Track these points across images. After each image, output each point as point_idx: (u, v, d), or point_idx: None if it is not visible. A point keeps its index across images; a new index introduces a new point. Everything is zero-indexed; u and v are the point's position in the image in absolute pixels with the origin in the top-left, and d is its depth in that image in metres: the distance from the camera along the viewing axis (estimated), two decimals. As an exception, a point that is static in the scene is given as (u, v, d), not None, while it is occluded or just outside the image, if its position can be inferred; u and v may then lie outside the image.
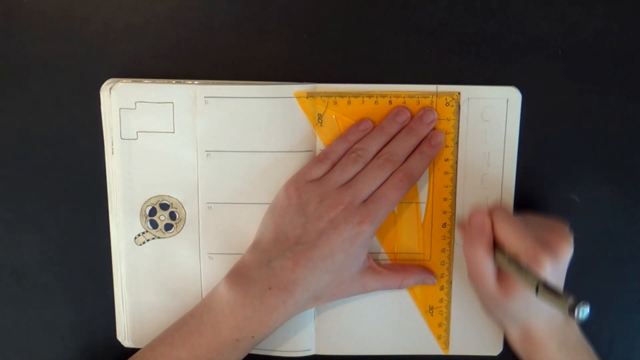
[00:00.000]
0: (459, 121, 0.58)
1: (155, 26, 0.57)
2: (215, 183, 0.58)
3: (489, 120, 0.58)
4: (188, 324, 0.54)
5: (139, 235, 0.58)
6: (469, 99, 0.57)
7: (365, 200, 0.54)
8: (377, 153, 0.56)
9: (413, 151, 0.57)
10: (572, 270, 0.58)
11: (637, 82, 0.58)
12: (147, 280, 0.59)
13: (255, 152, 0.57)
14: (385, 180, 0.55)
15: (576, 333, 0.55)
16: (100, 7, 0.57)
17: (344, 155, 0.56)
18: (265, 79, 0.57)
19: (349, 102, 0.57)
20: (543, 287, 0.47)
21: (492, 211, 0.53)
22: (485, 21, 0.57)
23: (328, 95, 0.57)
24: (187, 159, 0.57)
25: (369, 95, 0.57)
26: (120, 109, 0.56)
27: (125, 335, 0.60)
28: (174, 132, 0.57)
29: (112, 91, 0.56)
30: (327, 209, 0.53)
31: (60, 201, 0.60)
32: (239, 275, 0.54)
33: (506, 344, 0.61)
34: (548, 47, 0.57)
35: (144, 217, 0.58)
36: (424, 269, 0.59)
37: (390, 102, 0.57)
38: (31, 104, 0.58)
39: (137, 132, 0.57)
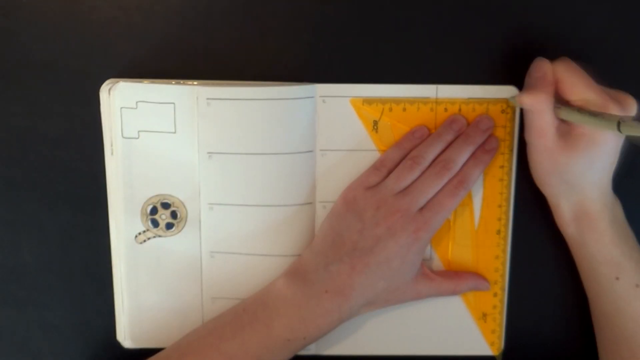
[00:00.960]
0: (514, 128, 0.58)
1: (155, 26, 0.57)
2: (217, 184, 0.58)
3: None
4: (241, 318, 0.54)
5: (139, 233, 0.58)
6: (468, 98, 0.57)
7: (421, 208, 0.55)
8: (433, 161, 0.56)
9: (469, 158, 0.57)
10: (572, 270, 0.58)
11: (637, 83, 0.58)
12: (148, 279, 0.59)
13: (257, 154, 0.57)
14: (442, 188, 0.55)
15: (622, 213, 0.56)
16: (101, 7, 0.57)
17: (400, 162, 0.56)
18: (265, 79, 0.57)
19: (404, 109, 0.57)
20: (626, 122, 0.45)
21: (557, 62, 0.52)
22: (486, 21, 0.57)
23: (383, 102, 0.57)
24: (188, 160, 0.57)
25: (425, 102, 0.57)
26: (121, 108, 0.56)
27: (124, 335, 0.60)
28: (175, 133, 0.57)
29: (113, 91, 0.56)
30: (385, 216, 0.54)
31: (60, 201, 0.60)
32: (297, 275, 0.55)
33: (506, 343, 0.61)
34: (548, 47, 0.57)
35: (145, 216, 0.58)
36: (477, 275, 0.60)
37: (445, 109, 0.58)
38: (31, 104, 0.58)
39: (138, 131, 0.56)
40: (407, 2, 0.57)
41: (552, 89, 0.52)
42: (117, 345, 0.61)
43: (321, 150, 0.59)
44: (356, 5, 0.57)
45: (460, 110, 0.57)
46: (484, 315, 0.61)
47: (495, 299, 0.60)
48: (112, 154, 0.57)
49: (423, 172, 0.55)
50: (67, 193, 0.60)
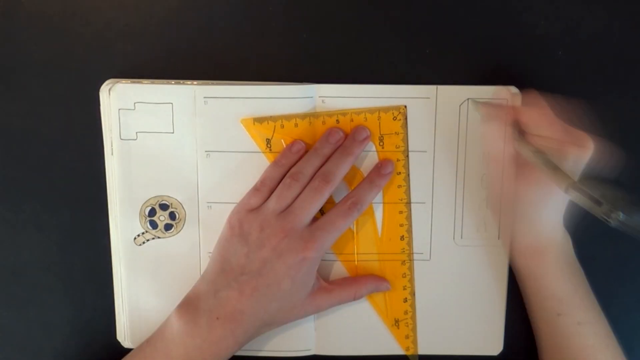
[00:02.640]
0: (407, 134, 0.58)
1: (154, 26, 0.57)
2: (215, 183, 0.58)
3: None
4: (144, 351, 0.55)
5: (138, 235, 0.58)
6: (468, 99, 0.57)
7: (310, 225, 0.54)
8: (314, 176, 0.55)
9: (364, 179, 0.57)
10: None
11: (637, 82, 0.58)
12: (147, 280, 0.59)
13: (254, 152, 0.57)
14: (333, 207, 0.55)
15: (571, 249, 0.56)
16: (100, 7, 0.57)
17: (280, 180, 0.55)
18: (265, 79, 0.57)
19: (296, 125, 0.57)
20: (574, 188, 0.46)
21: (524, 93, 0.52)
22: (485, 21, 0.57)
23: (274, 119, 0.57)
24: (186, 159, 0.57)
25: (316, 116, 0.57)
26: (119, 109, 0.56)
27: (124, 335, 0.60)
28: (173, 133, 0.57)
29: (111, 92, 0.56)
30: (269, 237, 0.53)
31: (60, 201, 0.60)
32: (188, 306, 0.54)
33: (506, 343, 0.61)
34: (548, 47, 0.57)
35: (144, 218, 0.58)
36: (375, 277, 0.59)
37: (337, 121, 0.57)
38: (30, 105, 0.58)
39: (136, 133, 0.57)
40: (406, 2, 0.57)
41: (509, 118, 0.52)
42: (117, 345, 0.61)
43: None
44: (356, 6, 0.57)
45: (352, 120, 0.57)
46: (396, 321, 0.60)
47: (406, 305, 0.60)
48: (112, 154, 0.57)
49: (304, 189, 0.55)
50: (67, 193, 0.60)
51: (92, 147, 0.58)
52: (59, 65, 0.58)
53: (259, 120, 0.56)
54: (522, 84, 0.57)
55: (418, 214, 0.59)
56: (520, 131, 0.52)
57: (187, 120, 0.56)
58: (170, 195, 0.58)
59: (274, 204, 0.54)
